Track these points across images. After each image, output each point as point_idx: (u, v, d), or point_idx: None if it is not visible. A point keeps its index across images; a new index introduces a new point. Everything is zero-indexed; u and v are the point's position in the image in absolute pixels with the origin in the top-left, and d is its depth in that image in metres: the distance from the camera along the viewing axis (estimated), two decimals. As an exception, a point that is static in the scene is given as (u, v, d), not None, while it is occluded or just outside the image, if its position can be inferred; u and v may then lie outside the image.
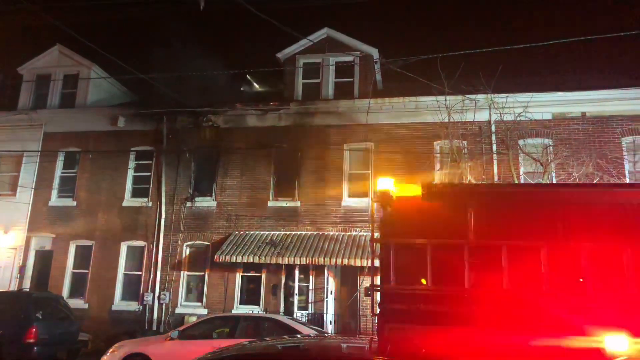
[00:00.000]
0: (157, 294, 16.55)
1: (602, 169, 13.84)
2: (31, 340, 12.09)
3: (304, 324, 12.22)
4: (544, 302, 5.83)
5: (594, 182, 13.14)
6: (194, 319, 14.46)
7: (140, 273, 17.06)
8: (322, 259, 14.62)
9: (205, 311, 15.86)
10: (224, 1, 12.11)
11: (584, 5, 39.59)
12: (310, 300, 15.50)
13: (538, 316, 5.79)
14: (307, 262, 14.75)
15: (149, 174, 17.92)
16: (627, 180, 14.18)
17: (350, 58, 17.38)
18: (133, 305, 16.78)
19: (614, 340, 5.18)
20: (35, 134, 18.84)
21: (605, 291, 5.76)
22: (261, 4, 12.21)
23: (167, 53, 16.86)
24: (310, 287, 15.60)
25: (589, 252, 5.87)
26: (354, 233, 15.70)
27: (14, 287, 17.41)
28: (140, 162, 18.17)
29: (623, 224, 5.96)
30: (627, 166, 14.60)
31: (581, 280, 5.87)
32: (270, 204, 16.69)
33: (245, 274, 16.21)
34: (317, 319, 15.01)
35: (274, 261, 15.02)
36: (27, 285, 17.51)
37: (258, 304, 15.79)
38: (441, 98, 14.69)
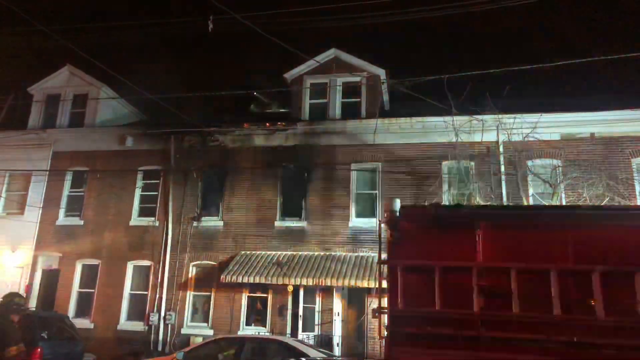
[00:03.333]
0: (162, 314, 16.44)
1: (612, 190, 13.71)
2: (36, 361, 12.00)
3: (310, 346, 12.06)
4: (554, 327, 5.73)
5: (604, 203, 13.01)
6: (199, 340, 14.34)
7: (146, 293, 16.96)
8: (329, 280, 14.49)
9: (211, 332, 15.72)
10: (232, 23, 12.20)
11: (593, 25, 39.68)
12: (317, 322, 15.32)
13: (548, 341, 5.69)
14: (314, 283, 14.62)
15: (156, 193, 17.92)
16: (638, 202, 14.02)
17: (357, 79, 17.45)
18: (139, 326, 16.64)
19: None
20: (44, 153, 18.97)
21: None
22: (269, 25, 12.33)
23: (175, 73, 17.03)
24: (317, 309, 15.43)
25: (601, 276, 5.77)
26: (361, 254, 15.57)
27: (20, 306, 17.34)
28: (148, 181, 18.18)
29: (635, 246, 5.87)
30: (638, 187, 14.46)
31: (592, 303, 5.77)
32: (277, 223, 16.62)
33: (252, 295, 16.09)
34: (324, 341, 14.82)
35: (280, 282, 14.88)
36: (33, 304, 17.45)
37: (264, 325, 15.64)
38: (448, 118, 14.70)
